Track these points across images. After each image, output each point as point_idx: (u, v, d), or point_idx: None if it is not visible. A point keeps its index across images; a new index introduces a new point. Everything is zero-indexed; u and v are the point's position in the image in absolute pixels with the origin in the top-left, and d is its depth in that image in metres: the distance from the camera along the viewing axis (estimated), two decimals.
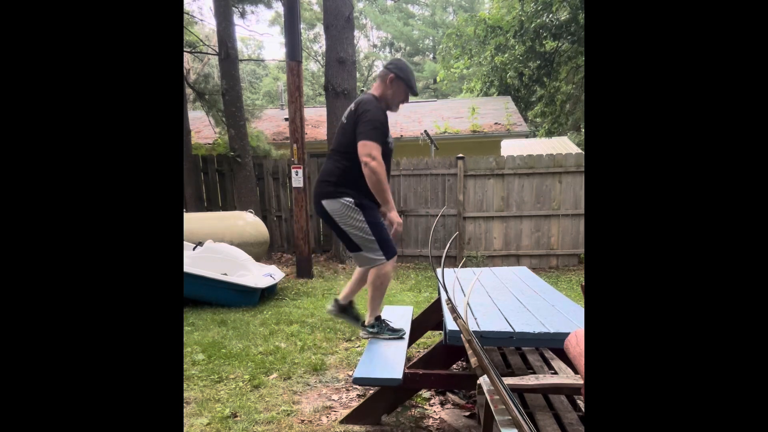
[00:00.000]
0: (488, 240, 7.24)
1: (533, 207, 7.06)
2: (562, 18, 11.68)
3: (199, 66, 16.00)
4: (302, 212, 6.26)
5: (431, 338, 3.69)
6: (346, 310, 2.79)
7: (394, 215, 2.39)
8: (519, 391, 1.92)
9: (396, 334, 2.57)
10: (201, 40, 12.12)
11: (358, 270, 2.74)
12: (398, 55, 29.73)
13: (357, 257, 2.57)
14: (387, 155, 2.45)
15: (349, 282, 2.80)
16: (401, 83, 2.46)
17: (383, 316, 2.96)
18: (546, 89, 13.11)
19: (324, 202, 2.44)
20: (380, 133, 2.32)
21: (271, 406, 2.56)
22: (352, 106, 2.46)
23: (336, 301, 2.79)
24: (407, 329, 2.86)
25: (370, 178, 2.30)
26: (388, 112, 2.52)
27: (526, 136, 11.63)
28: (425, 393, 2.70)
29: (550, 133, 14.72)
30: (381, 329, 2.58)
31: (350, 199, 2.37)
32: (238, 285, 4.62)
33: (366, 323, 2.64)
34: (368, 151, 2.28)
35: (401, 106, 2.59)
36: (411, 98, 2.64)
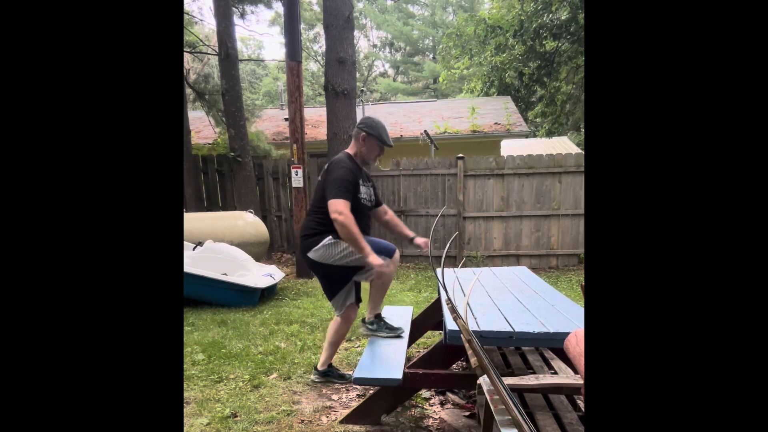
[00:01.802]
0: (488, 240, 7.24)
1: (533, 207, 7.06)
2: (562, 18, 11.67)
3: (199, 66, 16.00)
4: (302, 212, 6.26)
5: (431, 338, 3.69)
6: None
7: (372, 259, 2.45)
8: (519, 391, 1.92)
9: (394, 332, 2.71)
10: (201, 40, 12.11)
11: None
12: (398, 55, 29.75)
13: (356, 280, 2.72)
14: (360, 210, 2.58)
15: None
16: (373, 139, 2.63)
17: (383, 315, 3.01)
18: (546, 89, 13.10)
19: (310, 254, 2.60)
20: (346, 190, 2.47)
21: (271, 406, 2.56)
22: (327, 164, 2.64)
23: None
24: (407, 329, 2.86)
25: (342, 231, 2.44)
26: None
27: (526, 136, 11.64)
28: (425, 393, 2.70)
29: (550, 133, 14.72)
30: (380, 327, 2.74)
31: (330, 237, 2.53)
32: (238, 285, 4.61)
33: (366, 320, 2.79)
34: (335, 208, 2.43)
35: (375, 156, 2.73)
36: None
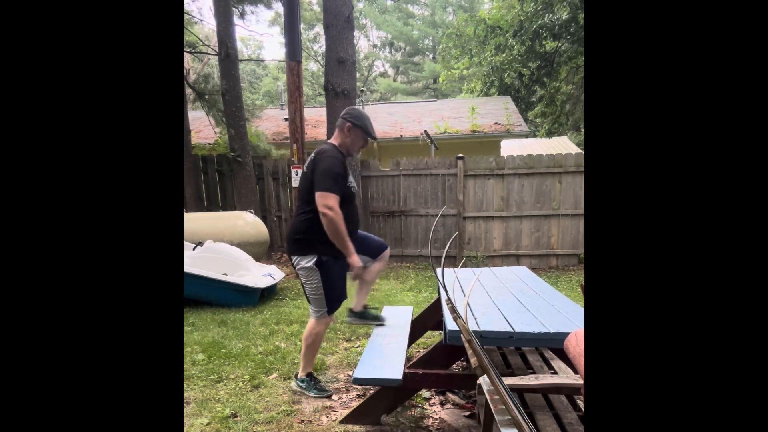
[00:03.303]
0: (488, 240, 7.24)
1: (533, 207, 7.06)
2: (562, 18, 11.68)
3: (199, 66, 15.99)
4: None
5: (431, 338, 3.69)
6: (363, 315, 2.92)
7: (353, 260, 2.50)
8: (519, 391, 1.92)
9: (322, 394, 2.69)
10: (201, 40, 12.11)
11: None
12: (398, 55, 29.77)
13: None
14: (349, 199, 2.57)
15: (356, 291, 2.90)
16: (358, 130, 2.59)
17: (383, 315, 3.02)
18: (546, 89, 13.10)
19: (293, 258, 2.59)
20: (335, 182, 2.43)
21: (271, 406, 2.56)
22: (312, 155, 2.58)
23: (350, 310, 2.91)
24: (407, 329, 2.87)
25: (328, 227, 2.42)
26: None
27: (526, 136, 11.63)
28: (425, 393, 2.70)
29: (550, 133, 14.72)
30: (309, 387, 2.71)
31: (314, 258, 2.50)
32: (238, 285, 4.62)
33: (298, 376, 2.76)
34: (324, 201, 2.39)
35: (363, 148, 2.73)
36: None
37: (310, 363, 2.73)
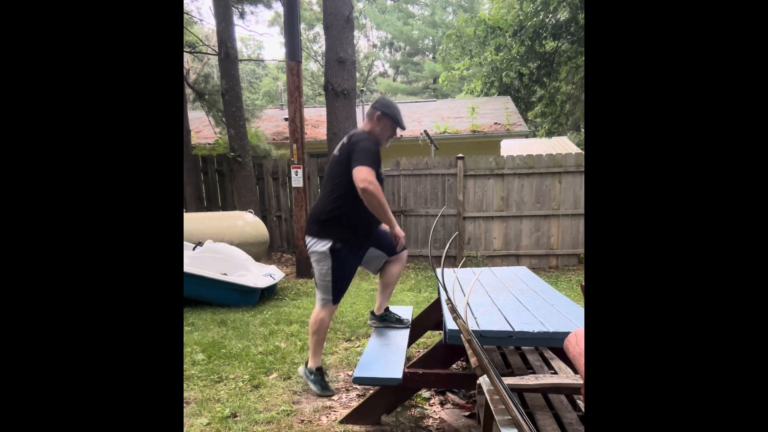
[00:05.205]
0: (488, 240, 7.24)
1: (533, 207, 7.06)
2: (562, 18, 11.68)
3: (199, 66, 15.98)
4: (302, 212, 6.26)
5: (431, 338, 3.69)
6: (385, 318, 2.96)
7: (397, 231, 2.57)
8: (519, 391, 1.92)
9: (324, 392, 2.69)
10: (201, 40, 12.11)
11: (379, 280, 2.94)
12: (398, 55, 29.78)
13: None
14: (381, 183, 2.57)
15: (377, 294, 2.99)
16: (388, 119, 2.62)
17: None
18: (546, 89, 13.12)
19: (307, 238, 2.62)
20: (373, 160, 2.44)
21: (271, 406, 2.56)
22: (345, 139, 2.60)
23: (372, 313, 2.98)
24: (407, 329, 2.87)
25: (370, 202, 2.41)
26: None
27: (526, 136, 11.63)
28: (425, 393, 2.70)
29: (550, 133, 14.74)
30: (315, 381, 2.69)
31: (329, 244, 2.50)
32: (238, 285, 4.62)
33: (307, 365, 2.75)
34: (364, 176, 2.38)
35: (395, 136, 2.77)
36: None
37: (318, 354, 2.69)
